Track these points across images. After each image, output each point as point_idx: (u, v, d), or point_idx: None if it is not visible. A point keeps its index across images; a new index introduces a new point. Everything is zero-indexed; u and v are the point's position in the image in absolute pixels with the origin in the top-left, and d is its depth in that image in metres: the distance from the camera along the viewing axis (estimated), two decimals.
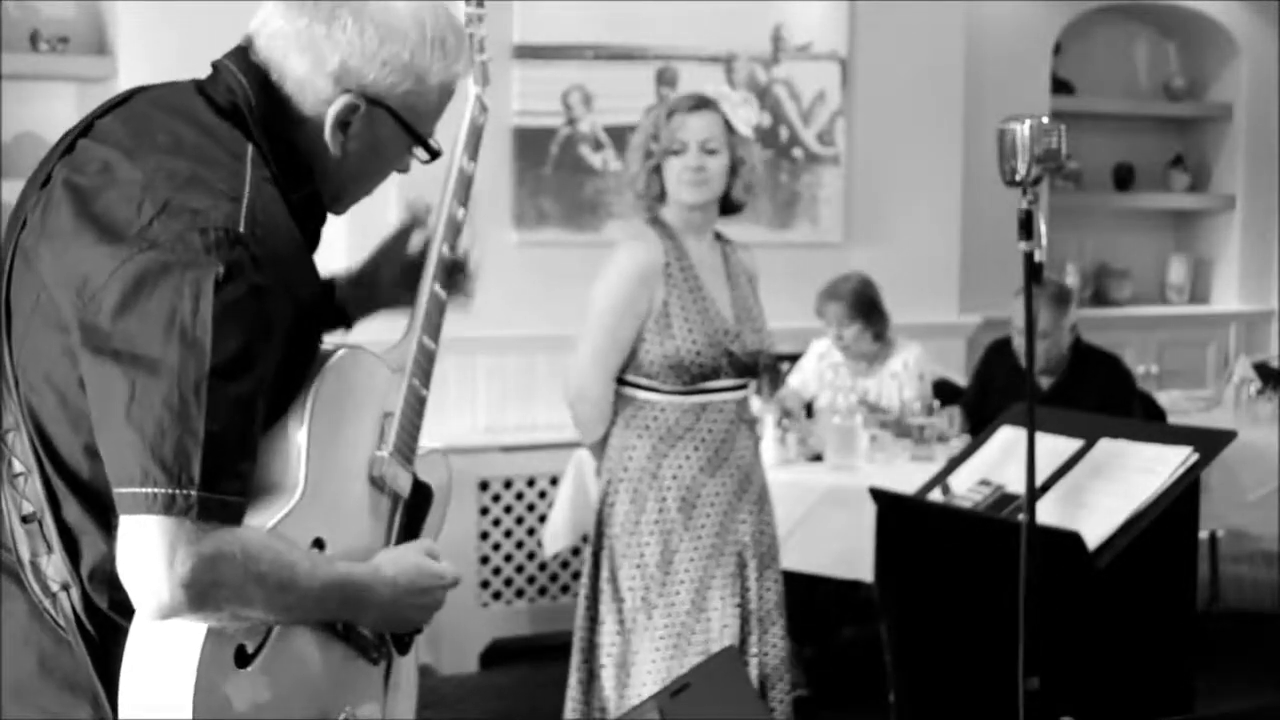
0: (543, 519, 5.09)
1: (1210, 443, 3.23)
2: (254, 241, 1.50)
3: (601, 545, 3.49)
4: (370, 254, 2.00)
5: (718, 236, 3.58)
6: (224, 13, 1.82)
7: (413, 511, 1.82)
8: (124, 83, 4.23)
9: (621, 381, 3.48)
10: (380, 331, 1.98)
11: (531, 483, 5.21)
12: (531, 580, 5.23)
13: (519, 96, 5.33)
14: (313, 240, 1.72)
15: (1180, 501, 3.15)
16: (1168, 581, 3.27)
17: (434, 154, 1.78)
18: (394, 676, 1.83)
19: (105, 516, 1.54)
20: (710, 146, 3.40)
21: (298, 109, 1.67)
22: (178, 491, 1.45)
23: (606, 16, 5.44)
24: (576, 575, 5.27)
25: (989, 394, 4.89)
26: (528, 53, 5.33)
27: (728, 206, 3.52)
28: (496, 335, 5.34)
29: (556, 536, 4.75)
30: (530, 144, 5.37)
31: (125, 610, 1.54)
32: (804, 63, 5.81)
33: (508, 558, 5.20)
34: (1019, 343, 4.85)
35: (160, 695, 1.52)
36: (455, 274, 1.99)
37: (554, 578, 5.27)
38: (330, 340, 1.78)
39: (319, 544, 1.66)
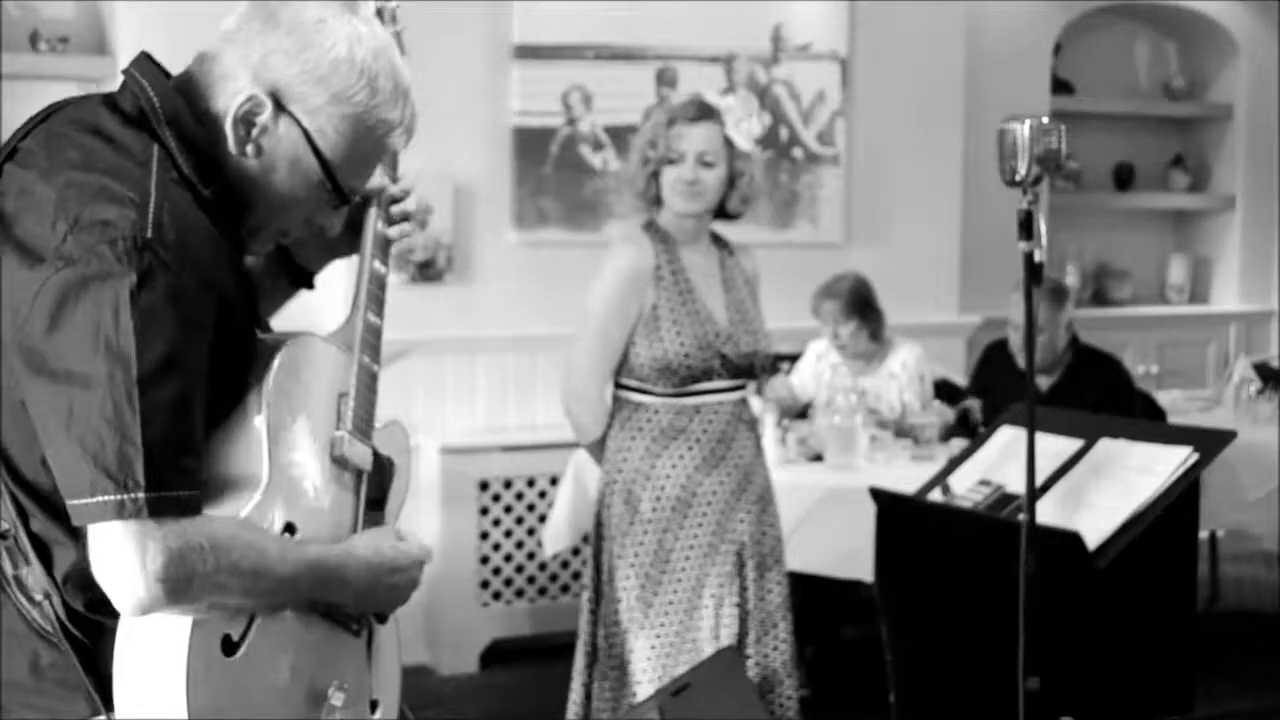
0: (543, 519, 5.09)
1: (1210, 443, 3.23)
2: (162, 245, 1.53)
3: (600, 546, 3.50)
4: None
5: (717, 240, 3.58)
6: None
7: (376, 484, 1.88)
8: None
9: (617, 384, 3.50)
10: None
11: (531, 483, 5.21)
12: (531, 580, 5.23)
13: (519, 96, 5.33)
14: (235, 235, 1.73)
15: (1180, 501, 3.15)
16: (1168, 581, 3.27)
17: (342, 196, 1.76)
18: (375, 645, 1.89)
19: (70, 525, 1.58)
20: (707, 159, 3.41)
21: (212, 103, 1.68)
22: (126, 497, 1.50)
23: (606, 16, 5.44)
24: (576, 575, 5.27)
25: (988, 395, 4.89)
26: (528, 53, 5.33)
27: (724, 214, 3.53)
28: (496, 335, 5.35)
29: (556, 536, 4.75)
30: (530, 144, 5.37)
31: (103, 609, 1.59)
32: (804, 63, 5.81)
33: (508, 558, 5.19)
34: (1015, 339, 4.85)
35: (154, 691, 1.57)
36: (394, 207, 2.00)
37: (554, 578, 5.26)
38: (279, 330, 1.83)
39: (290, 529, 1.70)
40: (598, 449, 3.53)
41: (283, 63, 1.67)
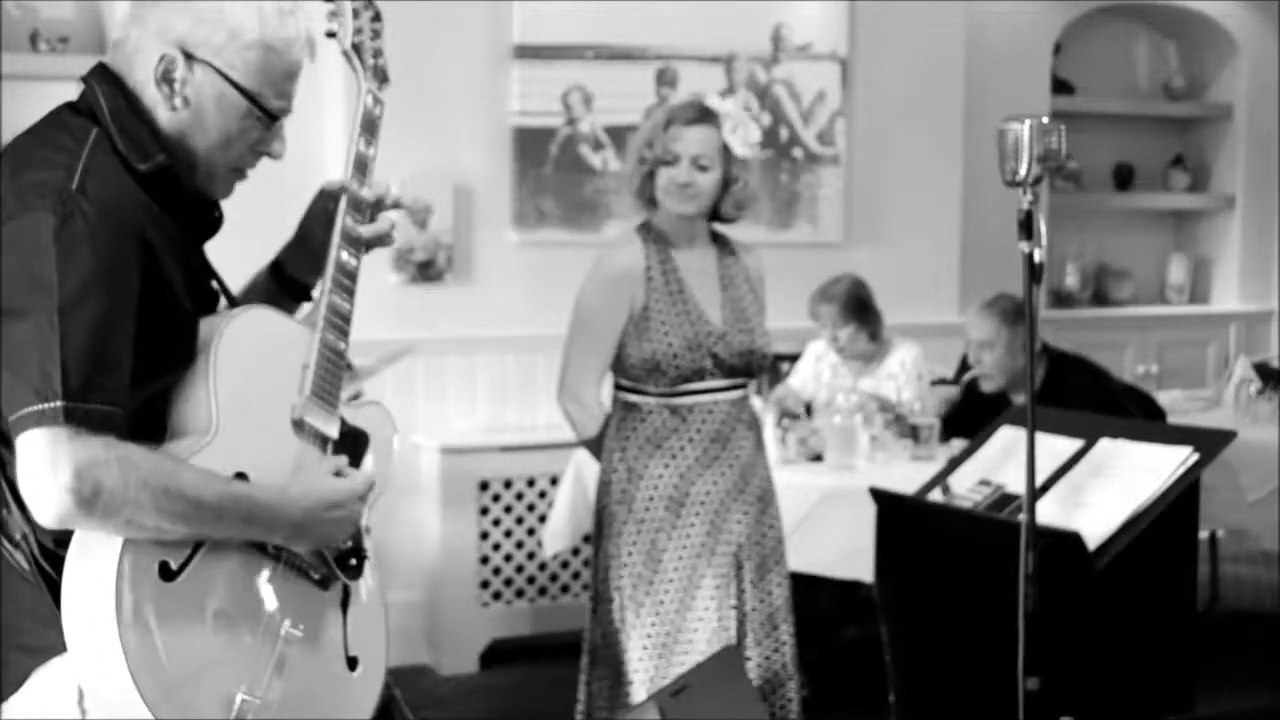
0: (543, 519, 5.09)
1: (1210, 443, 3.23)
2: (84, 196, 1.77)
3: (598, 545, 3.51)
4: (300, 220, 2.21)
5: (717, 239, 3.58)
6: None
7: (346, 453, 2.02)
8: None
9: (615, 384, 3.50)
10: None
11: (531, 483, 5.21)
12: (531, 580, 5.23)
13: (519, 96, 5.33)
14: (178, 208, 1.93)
15: (1180, 501, 3.15)
16: (1168, 581, 3.27)
17: (270, 114, 1.96)
18: (354, 605, 2.02)
19: None
20: (702, 163, 3.41)
21: (133, 77, 1.92)
22: (46, 405, 1.71)
23: (606, 16, 5.44)
24: (576, 575, 5.27)
25: (966, 404, 4.82)
26: (528, 53, 5.33)
27: (717, 217, 3.53)
28: (496, 335, 5.35)
29: (556, 536, 4.75)
30: (530, 144, 5.37)
31: (69, 545, 1.78)
32: (804, 63, 5.81)
33: (508, 558, 5.19)
34: (974, 356, 4.75)
35: (89, 610, 1.73)
36: (370, 218, 2.17)
37: (554, 578, 5.27)
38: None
39: (241, 477, 1.86)
40: (596, 446, 3.53)
41: (178, 20, 1.90)
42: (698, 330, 3.42)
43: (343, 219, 2.10)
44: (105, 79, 1.93)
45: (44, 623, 1.80)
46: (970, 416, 4.67)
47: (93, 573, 1.73)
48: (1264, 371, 5.72)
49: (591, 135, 5.46)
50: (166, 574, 1.76)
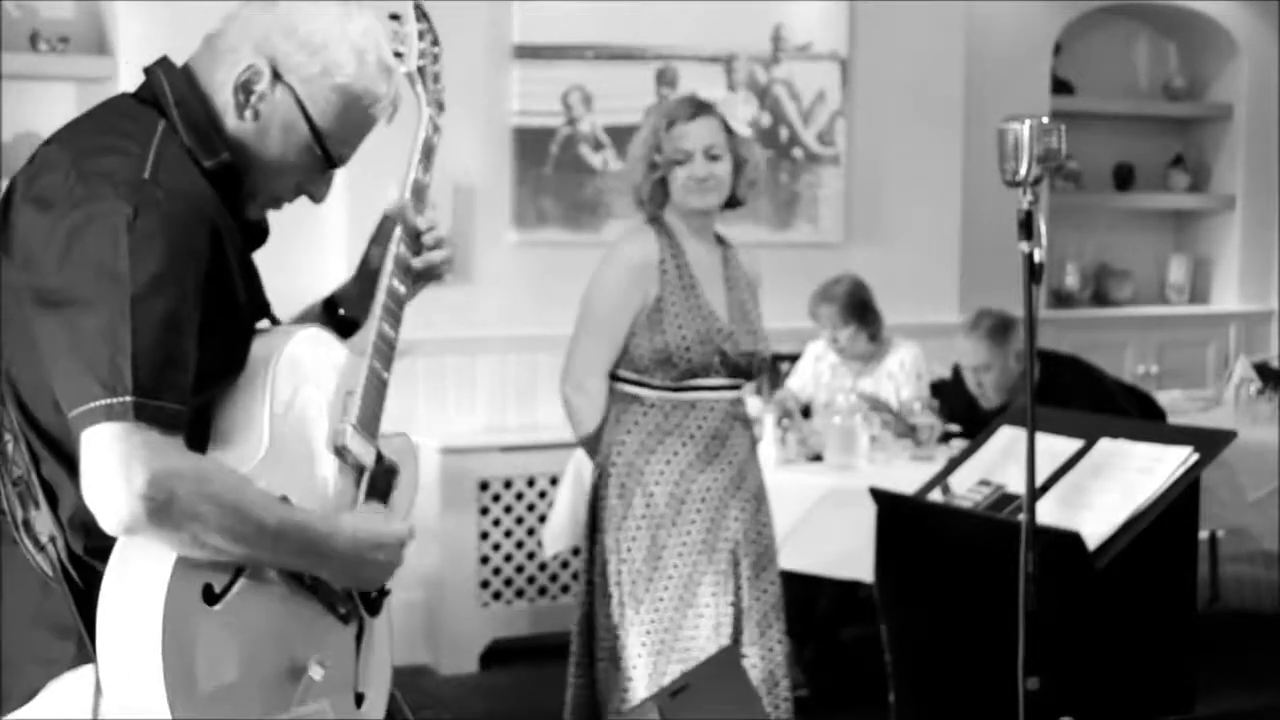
0: (543, 519, 5.09)
1: (1210, 443, 3.23)
2: (157, 185, 1.71)
3: (594, 541, 3.50)
4: (365, 248, 2.16)
5: (719, 240, 3.59)
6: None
7: (379, 484, 1.97)
8: (124, 83, 4.22)
9: (613, 377, 3.50)
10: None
11: (531, 483, 5.21)
12: (531, 580, 5.23)
13: (519, 96, 5.33)
14: (238, 213, 1.89)
15: (1180, 501, 3.15)
16: (1168, 581, 3.27)
17: (330, 161, 1.91)
18: (367, 639, 1.96)
19: (75, 468, 1.69)
20: (714, 153, 3.43)
21: (215, 75, 1.86)
22: (115, 400, 1.63)
23: (606, 16, 5.44)
24: (576, 575, 5.25)
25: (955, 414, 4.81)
26: (528, 53, 5.33)
27: (731, 202, 3.54)
28: (496, 335, 5.35)
29: (556, 536, 4.75)
30: (530, 144, 5.37)
31: (101, 554, 1.71)
32: (804, 63, 5.80)
33: (508, 558, 5.19)
34: (974, 381, 4.73)
35: (131, 627, 1.67)
36: (421, 247, 2.13)
37: (554, 578, 5.26)
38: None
39: (284, 501, 1.79)
40: (592, 442, 3.53)
41: (280, 36, 1.85)
42: (709, 325, 3.43)
43: (397, 245, 2.06)
44: (172, 71, 1.88)
45: (59, 634, 1.73)
46: (972, 419, 4.67)
47: (140, 589, 1.67)
48: (1264, 371, 5.72)
49: (591, 135, 5.46)
50: (210, 597, 1.70)
